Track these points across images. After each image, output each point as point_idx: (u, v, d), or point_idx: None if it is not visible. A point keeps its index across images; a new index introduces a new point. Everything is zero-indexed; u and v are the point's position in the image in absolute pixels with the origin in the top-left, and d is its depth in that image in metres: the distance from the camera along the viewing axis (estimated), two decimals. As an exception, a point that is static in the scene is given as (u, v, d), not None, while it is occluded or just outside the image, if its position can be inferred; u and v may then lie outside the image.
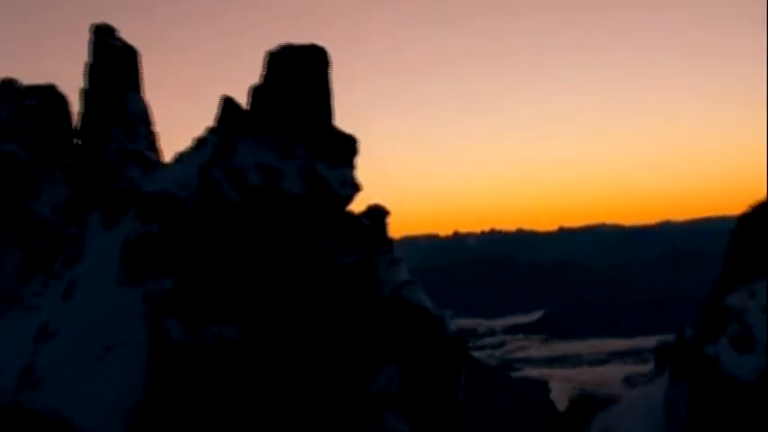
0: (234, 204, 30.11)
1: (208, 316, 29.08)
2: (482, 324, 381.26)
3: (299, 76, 32.33)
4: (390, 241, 31.24)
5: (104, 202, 43.00)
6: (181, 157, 41.28)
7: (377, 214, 30.96)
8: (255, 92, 33.58)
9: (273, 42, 33.70)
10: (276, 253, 28.81)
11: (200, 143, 40.01)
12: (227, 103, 38.82)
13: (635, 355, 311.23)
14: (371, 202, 31.66)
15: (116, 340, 33.72)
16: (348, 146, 31.52)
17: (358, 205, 30.76)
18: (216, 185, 30.80)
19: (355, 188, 30.04)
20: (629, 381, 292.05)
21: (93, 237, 41.70)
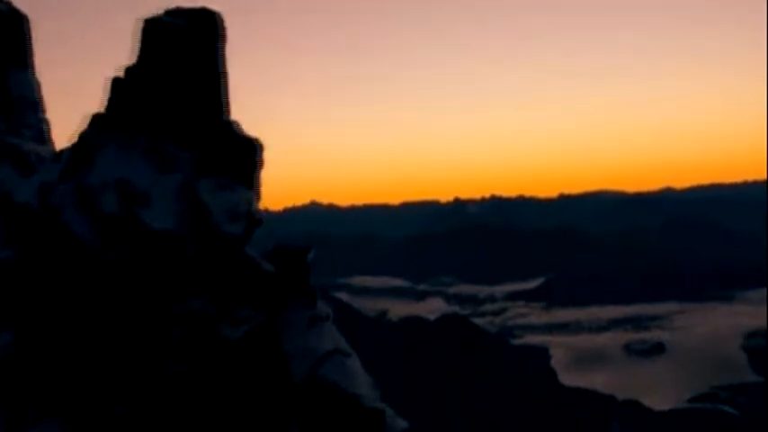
0: (79, 242, 20.63)
1: (36, 408, 19.84)
2: (482, 291, 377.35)
3: (182, 51, 22.57)
4: (312, 292, 21.55)
5: (-28, 212, 33.55)
6: (60, 157, 31.63)
7: (289, 256, 21.28)
8: (129, 75, 23.95)
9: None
10: (132, 324, 19.35)
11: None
12: (117, 87, 28.90)
13: (635, 322, 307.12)
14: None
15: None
16: (247, 155, 21.72)
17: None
18: (57, 213, 21.32)
19: (252, 222, 20.32)
20: (629, 348, 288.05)
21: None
